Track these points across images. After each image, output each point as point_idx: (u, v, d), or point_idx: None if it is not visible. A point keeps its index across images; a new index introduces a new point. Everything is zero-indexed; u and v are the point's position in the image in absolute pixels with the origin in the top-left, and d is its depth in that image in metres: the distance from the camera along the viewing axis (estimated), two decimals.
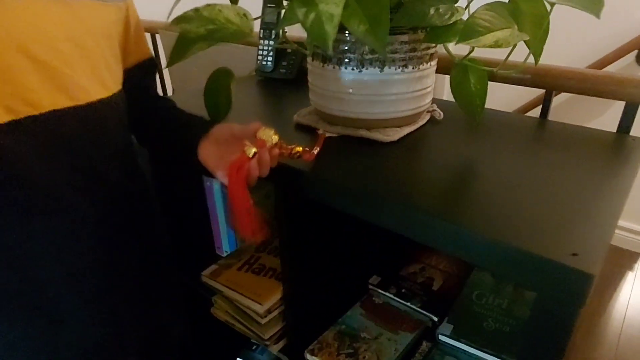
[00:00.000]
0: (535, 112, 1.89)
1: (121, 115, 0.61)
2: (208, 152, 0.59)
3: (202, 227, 0.96)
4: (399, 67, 0.62)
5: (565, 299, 0.40)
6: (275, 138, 0.55)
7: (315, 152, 0.60)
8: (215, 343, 1.05)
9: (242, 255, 0.88)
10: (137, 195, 0.66)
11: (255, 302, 0.75)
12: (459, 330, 0.77)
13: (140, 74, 0.68)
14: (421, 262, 0.97)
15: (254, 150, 0.53)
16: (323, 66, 0.65)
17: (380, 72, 0.62)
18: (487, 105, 0.64)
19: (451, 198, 0.51)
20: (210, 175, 0.59)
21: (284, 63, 0.98)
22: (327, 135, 0.68)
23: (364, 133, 0.66)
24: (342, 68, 0.63)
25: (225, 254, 0.94)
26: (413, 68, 0.62)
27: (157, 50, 1.40)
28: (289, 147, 0.57)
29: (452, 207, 0.49)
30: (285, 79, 0.98)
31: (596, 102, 1.76)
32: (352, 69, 0.62)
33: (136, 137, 0.72)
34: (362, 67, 0.62)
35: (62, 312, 0.57)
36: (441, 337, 0.77)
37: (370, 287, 0.91)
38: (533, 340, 0.44)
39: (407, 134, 0.68)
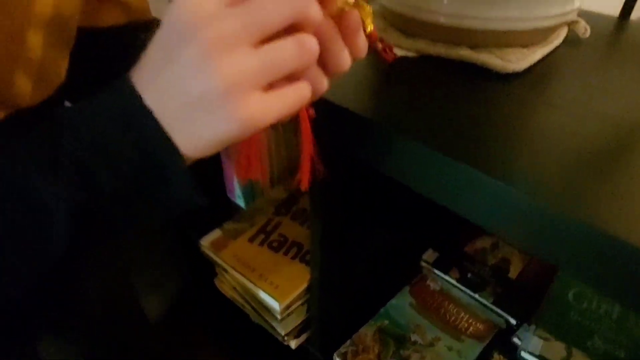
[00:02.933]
0: None
1: None
2: None
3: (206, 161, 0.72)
4: None
5: None
6: None
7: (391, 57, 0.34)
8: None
9: (257, 217, 0.65)
10: None
11: (271, 298, 0.53)
12: (551, 347, 0.55)
13: None
14: (492, 236, 0.73)
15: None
16: None
17: None
18: None
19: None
20: None
21: None
22: (400, 55, 0.40)
23: (466, 54, 0.38)
24: None
25: (238, 200, 0.71)
26: None
27: None
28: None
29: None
30: None
31: None
32: None
33: None
34: None
35: None
36: (524, 355, 0.55)
37: (424, 265, 0.68)
38: None
39: (538, 61, 0.40)
